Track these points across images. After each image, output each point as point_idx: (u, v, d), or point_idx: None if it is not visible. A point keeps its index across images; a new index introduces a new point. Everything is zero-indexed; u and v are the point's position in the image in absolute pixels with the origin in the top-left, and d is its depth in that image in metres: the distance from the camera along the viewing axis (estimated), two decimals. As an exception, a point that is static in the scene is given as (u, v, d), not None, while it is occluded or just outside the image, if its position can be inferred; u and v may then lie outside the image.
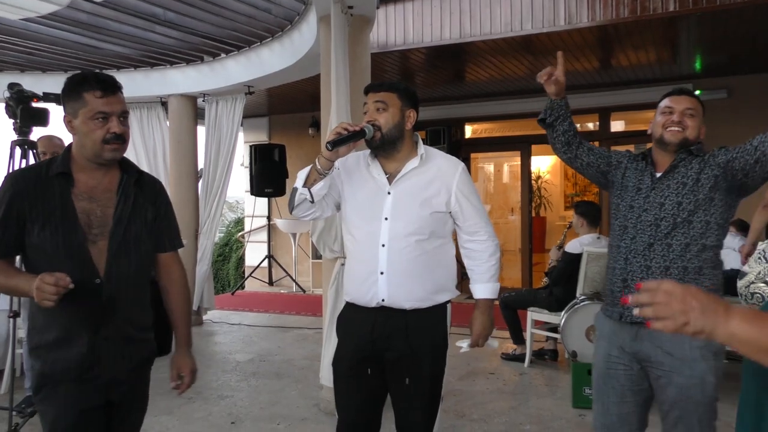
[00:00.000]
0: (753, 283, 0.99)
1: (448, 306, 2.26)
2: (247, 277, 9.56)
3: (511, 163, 11.90)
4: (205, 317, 6.93)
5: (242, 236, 10.40)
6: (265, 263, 9.56)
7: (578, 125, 8.60)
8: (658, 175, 2.18)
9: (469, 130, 9.04)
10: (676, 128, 2.15)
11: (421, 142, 2.27)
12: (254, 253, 9.83)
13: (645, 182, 2.19)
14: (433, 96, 8.17)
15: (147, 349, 1.98)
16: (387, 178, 2.18)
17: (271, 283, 9.71)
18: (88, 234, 1.79)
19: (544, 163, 12.04)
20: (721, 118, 6.91)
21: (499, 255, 2.30)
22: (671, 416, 2.08)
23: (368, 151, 2.24)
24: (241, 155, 9.67)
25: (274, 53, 5.73)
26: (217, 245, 10.96)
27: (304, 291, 8.99)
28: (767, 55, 6.01)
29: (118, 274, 1.83)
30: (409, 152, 2.21)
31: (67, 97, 1.81)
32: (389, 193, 2.16)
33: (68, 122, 1.82)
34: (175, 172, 6.66)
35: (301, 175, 2.15)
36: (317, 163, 2.09)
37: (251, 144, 9.01)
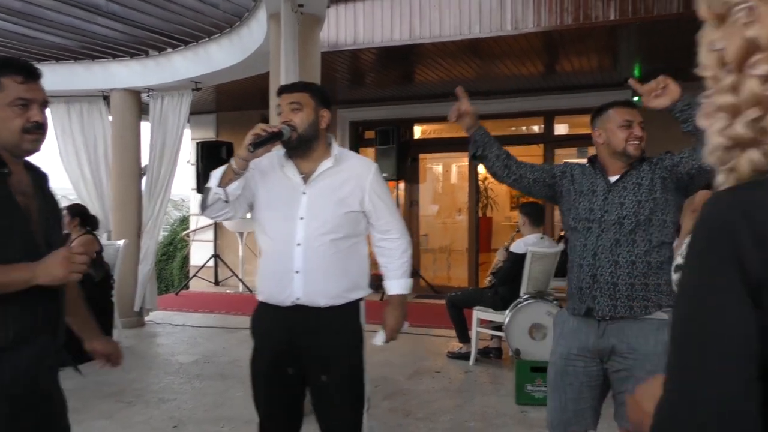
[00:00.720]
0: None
1: (362, 303, 2.29)
2: (192, 276, 9.36)
3: (459, 164, 12.07)
4: (147, 318, 6.75)
5: (187, 235, 10.18)
6: (211, 263, 9.39)
7: (524, 128, 8.80)
8: (612, 179, 2.29)
9: (418, 131, 9.13)
10: (638, 142, 2.25)
11: (335, 142, 2.31)
12: (200, 253, 9.64)
13: (600, 185, 2.30)
14: (383, 96, 8.21)
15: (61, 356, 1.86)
16: (302, 178, 2.21)
17: (217, 282, 9.54)
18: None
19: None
20: (658, 124, 7.19)
21: (410, 252, 2.37)
22: (623, 410, 2.13)
23: (282, 151, 2.26)
24: (188, 152, 9.47)
25: (222, 49, 5.64)
26: (161, 244, 10.69)
27: (251, 291, 8.87)
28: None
29: None
30: (324, 152, 2.24)
31: None
32: (304, 193, 2.19)
33: None
34: (118, 168, 6.46)
35: (216, 174, 2.16)
36: (233, 163, 2.11)
37: (198, 141, 8.83)
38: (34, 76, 1.69)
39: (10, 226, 1.63)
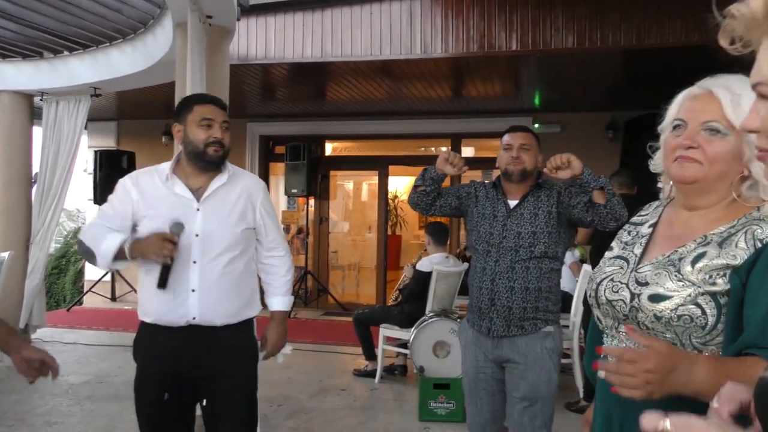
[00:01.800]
0: (682, 305, 1.10)
1: (254, 320, 2.29)
2: (87, 291, 8.83)
3: (369, 181, 12.19)
4: (34, 336, 6.27)
5: (82, 248, 9.60)
6: (108, 277, 8.90)
7: (432, 148, 9.03)
8: (512, 204, 2.48)
9: (329, 148, 9.15)
10: (516, 161, 2.49)
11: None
12: (95, 267, 9.11)
13: (500, 210, 2.49)
14: (295, 111, 8.18)
15: None
16: (193, 194, 2.14)
17: (114, 298, 9.04)
18: None
19: (401, 184, 12.48)
20: (555, 149, 7.59)
21: (293, 271, 2.42)
22: (520, 405, 2.40)
23: (160, 166, 2.21)
24: (85, 161, 8.97)
25: (125, 55, 5.42)
26: (53, 257, 10.03)
27: (150, 307, 8.48)
28: (594, 95, 6.75)
29: None
30: (215, 168, 2.20)
31: None
32: (198, 210, 2.13)
33: None
34: (5, 175, 6.02)
35: (104, 255, 2.10)
36: (127, 252, 2.07)
37: (96, 149, 8.39)
38: None
39: None
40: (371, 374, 5.14)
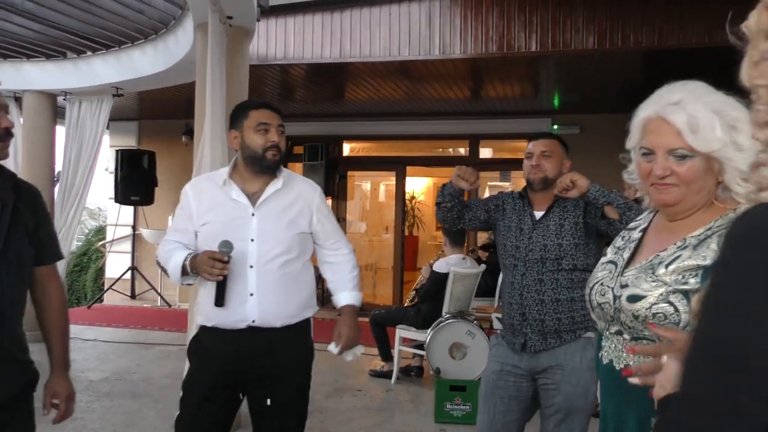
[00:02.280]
0: (655, 304, 1.17)
1: (311, 320, 2.31)
2: (107, 289, 8.94)
3: (387, 182, 12.19)
4: (55, 333, 6.38)
5: (103, 246, 9.74)
6: (128, 275, 9.00)
7: (450, 150, 9.03)
8: (538, 215, 2.42)
9: (347, 148, 9.17)
10: (536, 170, 2.42)
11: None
12: (116, 264, 9.22)
13: (526, 222, 2.43)
14: (313, 112, 8.20)
15: (30, 371, 1.79)
16: (248, 199, 2.18)
17: (133, 296, 9.15)
18: None
19: (419, 185, 12.46)
20: (574, 151, 7.54)
21: (358, 268, 2.43)
22: (554, 418, 2.29)
23: (218, 171, 2.29)
24: (106, 160, 9.09)
25: (146, 56, 5.49)
26: (74, 255, 10.17)
27: (169, 305, 8.57)
28: (614, 96, 6.68)
29: (2, 288, 1.63)
30: (270, 173, 2.23)
31: None
32: (253, 214, 2.16)
33: None
34: (28, 174, 6.10)
35: (174, 272, 2.13)
36: (188, 268, 2.09)
37: (118, 149, 8.50)
38: None
39: None
40: (387, 375, 5.13)
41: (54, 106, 6.28)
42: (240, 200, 2.16)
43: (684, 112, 1.22)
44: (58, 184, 6.22)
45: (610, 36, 4.86)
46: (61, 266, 6.08)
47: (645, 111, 1.31)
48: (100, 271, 9.95)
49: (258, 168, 2.18)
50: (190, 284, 2.22)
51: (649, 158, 1.29)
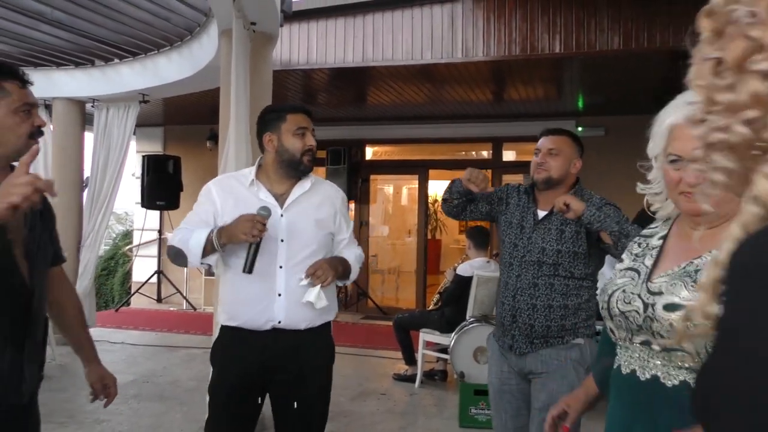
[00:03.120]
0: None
1: (331, 324, 2.31)
2: (134, 293, 9.07)
3: (409, 186, 12.18)
4: (83, 336, 6.49)
5: (130, 250, 9.89)
6: (154, 279, 9.13)
7: (473, 153, 8.96)
8: (541, 215, 2.33)
9: (369, 152, 9.18)
10: (540, 168, 2.33)
11: None
12: (142, 268, 9.36)
13: (528, 221, 2.35)
14: (335, 116, 8.24)
15: (42, 369, 1.83)
16: (276, 199, 2.19)
17: (159, 300, 9.27)
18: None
19: (442, 188, 12.42)
20: (599, 153, 7.48)
21: (362, 262, 2.40)
22: (539, 417, 2.18)
23: (242, 172, 2.31)
24: (133, 165, 9.24)
25: (171, 62, 5.56)
26: (102, 259, 10.33)
27: (194, 309, 8.66)
28: (638, 97, 6.59)
29: (39, 284, 1.67)
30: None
31: None
32: (282, 215, 2.17)
33: None
34: (58, 180, 6.16)
35: (195, 250, 2.07)
36: (215, 241, 2.04)
37: (144, 154, 8.63)
38: (27, 81, 1.67)
39: None
40: (411, 379, 5.12)
41: (82, 113, 6.40)
42: (269, 201, 2.17)
43: None
44: (86, 189, 6.34)
45: (636, 36, 4.80)
46: (89, 270, 6.22)
47: (671, 117, 1.28)
48: (127, 274, 10.10)
49: (293, 171, 2.19)
50: (209, 265, 2.16)
51: (677, 165, 1.26)
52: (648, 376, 1.27)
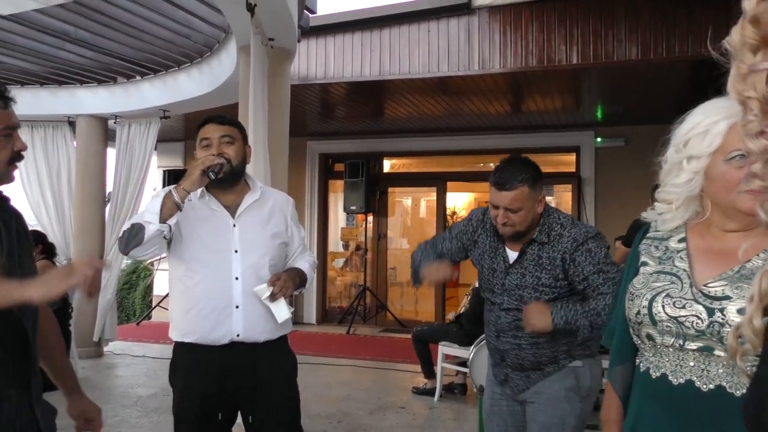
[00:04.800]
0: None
1: (287, 336, 2.28)
2: (155, 306, 9.15)
3: (427, 198, 12.16)
4: (106, 349, 6.56)
5: (151, 264, 9.99)
6: (175, 293, 9.20)
7: (491, 164, 8.93)
8: (512, 257, 2.15)
9: (387, 165, 9.21)
10: (505, 227, 2.09)
11: (251, 176, 2.30)
12: (164, 282, 9.45)
13: (499, 264, 2.17)
14: (353, 129, 8.28)
15: (51, 406, 1.70)
16: (228, 210, 2.16)
17: (179, 313, 9.33)
18: None
19: (460, 200, 12.40)
20: (618, 164, 7.43)
21: (315, 271, 2.36)
22: None
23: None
24: (154, 180, 9.36)
25: (191, 79, 5.65)
26: (124, 273, 10.46)
27: (214, 322, 8.70)
28: (658, 107, 6.53)
29: (27, 310, 1.48)
30: (244, 186, 2.22)
31: None
32: (234, 225, 2.15)
33: None
34: (80, 195, 6.35)
35: (153, 208, 1.98)
36: (175, 195, 1.97)
37: (165, 169, 8.75)
38: (10, 101, 1.52)
39: None
40: (430, 392, 5.08)
41: (105, 129, 6.52)
42: (220, 211, 2.15)
43: None
44: (108, 204, 6.43)
45: (655, 46, 4.77)
46: (111, 284, 6.29)
47: (714, 117, 1.25)
48: (149, 288, 10.20)
49: (215, 183, 2.10)
50: (169, 229, 2.00)
51: (741, 163, 1.21)
52: (712, 386, 1.21)
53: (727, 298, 1.21)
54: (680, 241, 1.35)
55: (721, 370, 1.20)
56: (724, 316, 1.20)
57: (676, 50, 4.72)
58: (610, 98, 6.47)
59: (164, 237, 2.03)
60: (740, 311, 1.18)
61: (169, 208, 1.98)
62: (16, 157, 1.51)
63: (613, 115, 7.14)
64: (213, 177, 2.01)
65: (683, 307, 1.25)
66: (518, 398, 2.20)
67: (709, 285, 1.25)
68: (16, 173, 1.60)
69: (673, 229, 1.38)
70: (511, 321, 2.13)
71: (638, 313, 1.30)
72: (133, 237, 1.99)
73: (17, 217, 1.61)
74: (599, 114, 7.13)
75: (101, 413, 1.79)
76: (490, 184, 2.11)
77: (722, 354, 1.20)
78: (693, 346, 1.23)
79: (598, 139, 7.58)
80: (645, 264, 1.37)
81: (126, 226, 2.05)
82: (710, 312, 1.21)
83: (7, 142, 1.48)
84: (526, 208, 2.05)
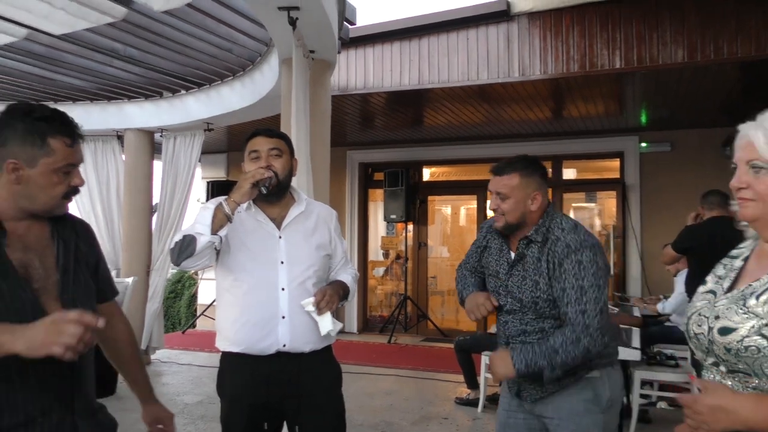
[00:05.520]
0: (747, 336, 1.12)
1: (332, 347, 2.28)
2: (200, 315, 9.33)
3: (467, 206, 12.09)
4: (153, 357, 6.71)
5: (196, 273, 10.19)
6: (219, 301, 9.35)
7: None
8: (513, 256, 2.14)
9: (427, 173, 9.19)
10: (496, 215, 2.11)
11: (297, 189, 2.31)
12: (208, 291, 9.63)
13: (502, 266, 2.16)
14: (393, 138, 8.31)
15: (111, 420, 1.66)
16: (273, 223, 2.18)
17: (223, 322, 9.48)
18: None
19: (500, 207, 12.27)
20: (665, 169, 7.25)
21: (356, 284, 2.36)
22: None
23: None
24: (199, 191, 9.56)
25: (234, 92, 5.76)
26: (169, 282, 10.69)
27: (257, 331, 8.80)
28: (704, 111, 6.35)
29: None
30: (290, 199, 2.24)
31: (18, 138, 1.44)
32: (280, 237, 2.17)
33: (13, 170, 1.44)
34: (129, 206, 6.54)
35: (204, 220, 2.00)
36: (225, 207, 2.00)
37: (209, 180, 8.93)
38: (79, 138, 1.52)
39: None
40: (474, 403, 5.02)
41: (152, 142, 6.70)
42: (266, 224, 2.17)
43: (762, 127, 1.24)
44: (155, 215, 6.60)
45: (702, 48, 4.64)
46: (158, 293, 6.44)
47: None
48: (193, 297, 10.40)
49: (263, 196, 2.12)
50: (220, 240, 2.03)
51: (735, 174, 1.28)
52: None
53: (718, 317, 1.26)
54: (743, 260, 1.36)
55: (729, 383, 1.26)
56: (712, 335, 1.26)
57: (725, 52, 4.58)
58: (655, 102, 6.32)
59: (215, 248, 2.06)
60: (720, 331, 1.23)
61: (219, 220, 2.01)
62: (72, 191, 1.54)
63: (658, 120, 6.97)
64: (265, 191, 2.05)
65: (700, 326, 1.31)
66: (535, 411, 2.13)
67: (717, 304, 1.29)
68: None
69: (750, 243, 1.38)
70: (517, 325, 2.11)
71: (685, 330, 1.38)
72: (185, 248, 2.01)
73: (81, 232, 1.64)
74: (644, 118, 6.97)
75: (173, 420, 1.84)
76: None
77: (723, 369, 1.27)
78: (709, 361, 1.31)
79: (643, 144, 7.41)
80: (704, 283, 1.40)
81: (177, 237, 2.07)
82: (709, 331, 1.28)
83: (65, 177, 1.50)
84: (515, 198, 2.05)
